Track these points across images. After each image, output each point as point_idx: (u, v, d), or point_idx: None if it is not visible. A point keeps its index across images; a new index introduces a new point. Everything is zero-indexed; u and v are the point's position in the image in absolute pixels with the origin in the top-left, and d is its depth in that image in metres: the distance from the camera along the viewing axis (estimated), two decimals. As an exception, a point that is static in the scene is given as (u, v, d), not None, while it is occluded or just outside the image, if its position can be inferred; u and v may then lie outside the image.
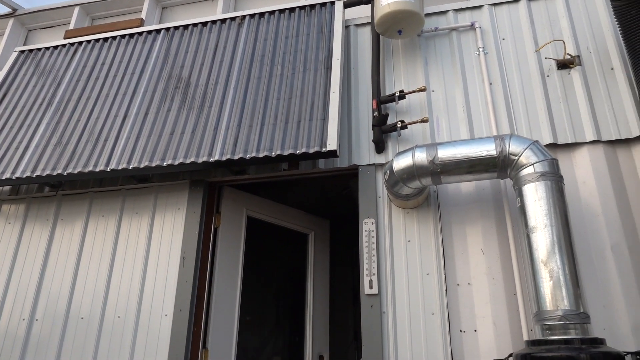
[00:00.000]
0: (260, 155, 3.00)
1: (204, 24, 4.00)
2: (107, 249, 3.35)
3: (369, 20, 3.67)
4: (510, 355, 2.37)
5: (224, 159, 3.05)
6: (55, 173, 3.32)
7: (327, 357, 3.84)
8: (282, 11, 3.87)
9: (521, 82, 3.19)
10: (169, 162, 3.14)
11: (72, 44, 4.28)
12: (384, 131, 3.16)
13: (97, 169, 3.26)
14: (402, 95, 3.19)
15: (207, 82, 3.56)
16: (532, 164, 2.45)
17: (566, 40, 3.22)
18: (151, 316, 3.08)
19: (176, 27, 4.05)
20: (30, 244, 3.50)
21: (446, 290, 2.77)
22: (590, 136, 2.90)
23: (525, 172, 2.46)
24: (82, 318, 3.19)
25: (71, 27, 4.73)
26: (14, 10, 4.99)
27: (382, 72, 3.46)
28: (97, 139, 3.47)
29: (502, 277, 2.73)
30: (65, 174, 3.30)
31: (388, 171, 2.78)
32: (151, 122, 3.44)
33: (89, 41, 4.25)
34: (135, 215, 3.42)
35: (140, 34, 4.14)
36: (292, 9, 3.85)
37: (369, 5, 3.89)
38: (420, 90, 3.14)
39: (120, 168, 3.21)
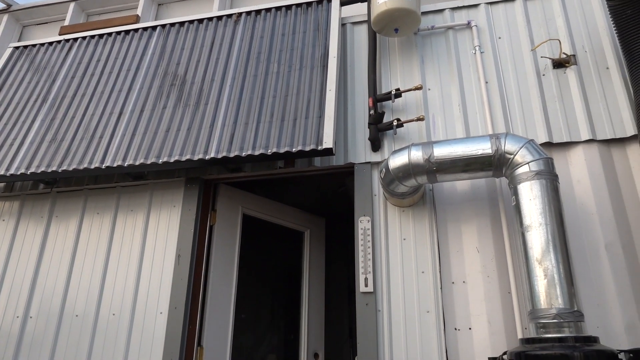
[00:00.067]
0: (256, 152, 3.00)
1: (200, 21, 3.99)
2: (102, 247, 3.34)
3: (366, 18, 3.67)
4: (505, 353, 2.38)
5: (219, 156, 3.05)
6: (50, 170, 3.31)
7: (322, 355, 3.84)
8: (278, 8, 3.86)
9: (517, 80, 3.20)
10: (165, 159, 3.14)
11: (67, 40, 4.26)
12: (380, 129, 3.16)
13: (92, 166, 3.25)
14: (398, 94, 3.19)
15: (203, 80, 3.55)
16: (528, 163, 2.46)
17: (562, 39, 3.23)
18: (146, 314, 3.08)
19: (172, 24, 4.04)
20: (24, 241, 3.49)
21: (441, 288, 2.78)
22: (585, 135, 2.91)
23: (521, 170, 2.46)
24: (76, 315, 3.18)
25: (66, 23, 4.71)
26: (9, 5, 4.96)
27: (379, 70, 3.46)
28: (92, 135, 3.46)
29: (497, 276, 2.74)
30: (60, 171, 3.29)
31: (384, 169, 2.78)
32: (147, 120, 3.43)
33: (84, 37, 4.23)
34: (130, 212, 3.41)
35: (135, 30, 4.12)
36: (288, 7, 3.84)
37: (366, 3, 3.88)
38: (417, 88, 3.14)
39: (115, 165, 3.20)
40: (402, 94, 3.29)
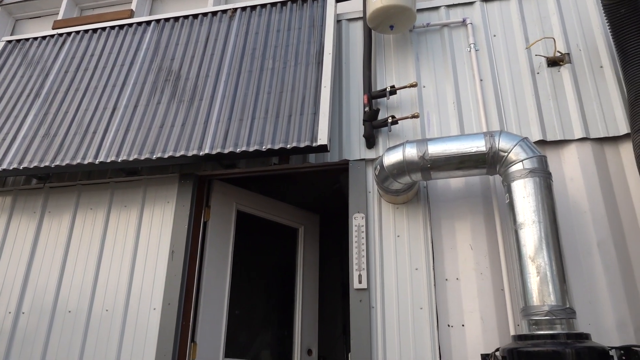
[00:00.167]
0: (251, 149, 2.99)
1: (195, 16, 3.97)
2: (95, 242, 3.32)
3: (361, 15, 3.67)
4: (497, 349, 2.39)
5: (214, 152, 3.04)
6: (42, 165, 3.29)
7: (315, 351, 3.85)
8: (273, 4, 3.85)
9: (511, 78, 3.21)
10: (159, 155, 3.12)
11: (60, 35, 4.23)
12: (374, 126, 3.16)
13: (86, 162, 3.23)
14: (393, 91, 3.19)
15: (197, 75, 3.54)
16: (521, 161, 2.47)
17: (556, 37, 3.24)
18: (139, 310, 3.07)
19: (167, 19, 4.01)
20: (17, 237, 3.46)
21: (435, 285, 2.79)
22: (578, 133, 2.92)
23: (514, 168, 2.47)
24: (69, 312, 3.17)
25: (60, 17, 4.67)
26: (1, -1, 4.91)
27: (374, 67, 3.46)
28: (86, 131, 3.44)
29: (490, 273, 2.75)
30: (53, 166, 3.27)
31: (378, 166, 2.79)
32: (141, 115, 3.41)
33: (77, 32, 4.20)
34: (124, 208, 3.40)
35: (130, 25, 4.09)
36: (284, 3, 3.83)
37: (361, 0, 3.88)
38: (412, 85, 3.14)
39: (109, 161, 3.19)
40: (397, 91, 3.29)
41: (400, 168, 2.67)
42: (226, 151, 3.02)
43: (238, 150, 3.01)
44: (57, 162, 3.27)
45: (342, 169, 3.29)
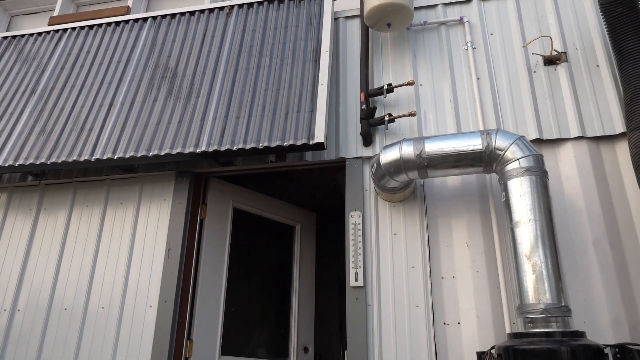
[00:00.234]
0: (248, 146, 2.99)
1: (192, 13, 3.95)
2: (91, 240, 3.31)
3: (358, 13, 3.66)
4: (493, 347, 2.40)
5: (210, 149, 3.03)
6: (38, 162, 3.27)
7: (312, 349, 3.85)
8: (271, 1, 3.84)
9: (508, 77, 3.21)
10: (155, 152, 3.11)
11: (56, 31, 4.21)
12: (371, 124, 3.16)
13: (82, 159, 3.22)
14: (390, 89, 3.19)
15: (194, 72, 3.53)
16: (518, 159, 2.47)
17: (553, 36, 3.25)
18: (136, 307, 3.07)
19: (163, 16, 4.00)
20: (12, 234, 3.45)
21: (431, 283, 2.79)
22: (575, 132, 2.93)
23: (511, 167, 2.48)
24: (65, 309, 3.16)
25: (56, 13, 4.65)
26: (-3, -5, 4.88)
27: (371, 65, 3.46)
28: (82, 128, 3.42)
29: (486, 271, 2.76)
30: (48, 163, 3.25)
31: (375, 164, 2.79)
32: (137, 112, 3.40)
33: (73, 28, 4.17)
34: (120, 205, 3.39)
35: (126, 22, 4.07)
36: (281, 0, 3.82)
37: (359, -2, 3.88)
38: (409, 84, 3.14)
39: (105, 158, 3.18)
40: (394, 89, 3.29)
41: (397, 166, 2.67)
42: (223, 149, 3.01)
43: (235, 147, 3.00)
44: (53, 159, 3.26)
45: (339, 166, 3.29)
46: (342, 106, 3.37)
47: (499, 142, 2.53)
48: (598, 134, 2.91)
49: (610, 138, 2.93)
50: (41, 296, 3.22)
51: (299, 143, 2.93)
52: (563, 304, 2.20)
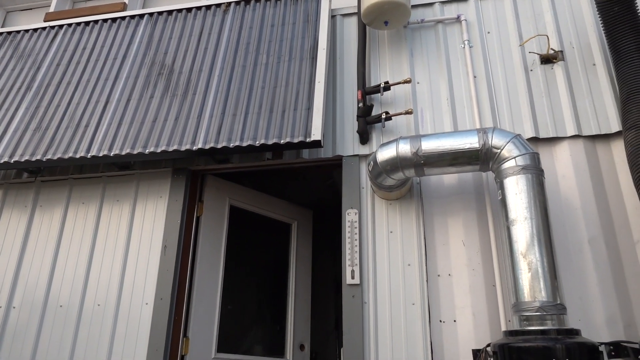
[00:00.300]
0: (244, 144, 2.99)
1: (189, 9, 3.94)
2: (87, 237, 3.31)
3: (356, 10, 3.66)
4: (488, 345, 2.41)
5: (207, 147, 3.03)
6: (34, 159, 3.26)
7: (308, 346, 3.86)
8: (268, -1, 3.83)
9: (505, 75, 3.21)
10: (151, 149, 3.11)
11: (52, 27, 4.19)
12: (368, 122, 3.16)
13: (78, 156, 3.20)
14: (387, 87, 3.19)
15: (190, 69, 3.52)
16: (514, 157, 2.47)
17: (550, 35, 3.25)
18: (131, 305, 3.06)
19: (160, 13, 3.99)
20: (7, 231, 3.44)
21: (427, 281, 2.80)
22: (571, 131, 2.94)
23: (507, 165, 2.48)
24: (60, 306, 3.15)
25: (51, 9, 4.62)
26: (-8, -10, 4.85)
27: (368, 62, 3.46)
28: (78, 124, 3.41)
29: (482, 269, 2.77)
30: (44, 159, 3.24)
31: (372, 162, 2.79)
32: (133, 109, 3.39)
33: (69, 25, 4.16)
34: (116, 202, 3.38)
35: (123, 18, 4.06)
36: (278, -3, 3.82)
37: (356, -5, 3.87)
38: (405, 82, 3.14)
39: (101, 155, 3.17)
40: (391, 87, 3.29)
41: (393, 164, 2.68)
42: (219, 146, 3.01)
43: (231, 145, 3.00)
44: (49, 156, 3.25)
45: (335, 164, 3.29)
46: (339, 104, 3.37)
47: (496, 140, 2.53)
48: (594, 133, 2.92)
49: (606, 137, 2.94)
50: (37, 293, 3.21)
51: (295, 141, 2.93)
52: (558, 302, 2.21)
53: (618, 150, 2.88)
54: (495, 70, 3.25)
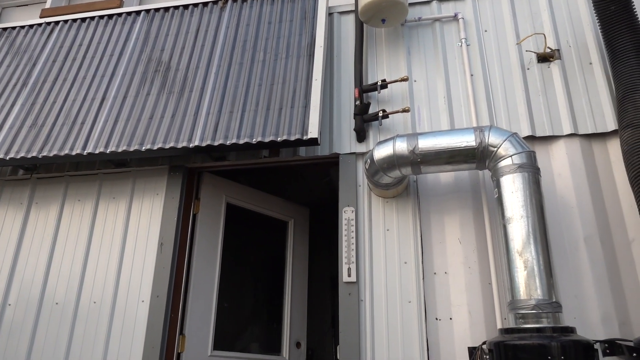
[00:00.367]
0: (241, 141, 2.98)
1: (185, 6, 3.93)
2: (83, 234, 3.30)
3: (353, 8, 3.65)
4: (484, 343, 2.41)
5: (204, 144, 3.02)
6: (29, 156, 3.25)
7: (304, 344, 3.86)
8: (265, -4, 3.82)
9: (502, 74, 3.22)
10: (148, 146, 3.10)
11: (48, 24, 4.17)
12: (365, 120, 3.16)
13: (74, 153, 3.19)
14: (384, 85, 3.19)
15: (187, 66, 3.51)
16: (510, 156, 2.48)
17: (547, 33, 3.26)
18: (128, 302, 3.06)
19: (157, 9, 3.97)
20: (3, 228, 3.43)
21: (423, 278, 2.80)
22: (567, 129, 2.95)
23: (504, 163, 2.49)
24: (56, 303, 3.14)
25: (47, 5, 4.60)
26: (-12, -14, 4.82)
27: (365, 60, 3.45)
28: (74, 121, 3.40)
29: (478, 267, 2.78)
30: (40, 156, 3.23)
31: (369, 160, 2.79)
32: (130, 106, 3.38)
33: (66, 21, 4.14)
34: (112, 200, 3.37)
35: (119, 15, 4.04)
36: (275, -6, 3.81)
37: (353, -7, 3.86)
38: (403, 80, 3.14)
39: (97, 152, 3.16)
40: (388, 85, 3.29)
41: (390, 162, 2.68)
42: (216, 143, 3.00)
43: (228, 142, 2.99)
44: (45, 153, 3.23)
45: (332, 162, 3.29)
46: (335, 102, 3.36)
47: (492, 138, 2.54)
48: (590, 132, 2.93)
49: (602, 135, 2.94)
50: (32, 291, 3.20)
51: (292, 138, 2.93)
52: (554, 300, 2.22)
53: (614, 149, 2.89)
54: (492, 68, 3.25)
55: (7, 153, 3.31)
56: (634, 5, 2.82)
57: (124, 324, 3.01)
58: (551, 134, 2.96)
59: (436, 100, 3.22)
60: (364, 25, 3.53)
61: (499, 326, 2.60)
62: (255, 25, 3.64)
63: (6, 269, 3.29)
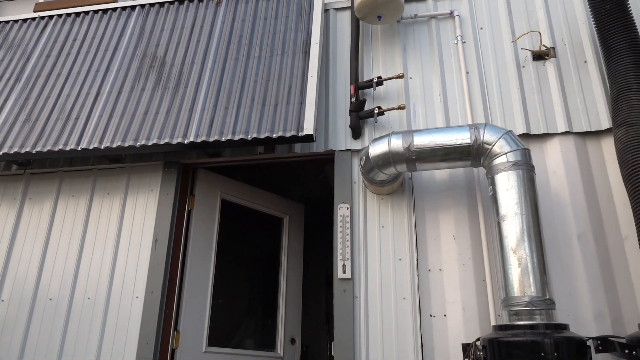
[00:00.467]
0: (236, 137, 2.97)
1: (181, 1, 3.91)
2: (77, 230, 3.28)
3: (349, 5, 3.65)
4: (478, 339, 2.43)
5: (198, 140, 3.01)
6: (23, 151, 3.23)
7: (299, 340, 3.87)
8: (261, -8, 3.80)
9: (497, 72, 3.22)
10: (142, 142, 3.09)
11: (42, 18, 4.13)
12: (361, 117, 3.16)
13: (68, 148, 3.18)
14: (379, 82, 3.19)
15: (183, 62, 3.49)
16: (505, 154, 2.49)
17: (542, 31, 3.26)
18: (122, 298, 3.05)
19: (152, 4, 3.95)
20: (-4, 223, 3.41)
21: (418, 275, 2.81)
22: (562, 127, 2.96)
23: (498, 161, 2.50)
24: (50, 299, 3.13)
25: (41, 0, 4.56)
26: (-19, -21, 4.77)
27: (361, 57, 3.45)
28: (68, 116, 3.38)
29: (472, 264, 2.79)
30: (34, 152, 3.21)
31: (364, 157, 2.79)
32: (124, 101, 3.36)
33: (60, 15, 4.11)
34: (106, 195, 3.36)
35: (114, 9, 4.02)
36: (271, -10, 3.79)
37: (349, -11, 3.85)
38: (398, 77, 3.15)
39: (91, 147, 3.14)
40: (384, 82, 3.29)
41: (385, 159, 2.68)
42: (211, 139, 2.99)
43: (223, 138, 2.98)
44: (38, 148, 3.21)
45: (327, 159, 3.29)
46: (331, 98, 3.36)
47: (487, 136, 2.55)
48: (585, 130, 2.94)
49: (597, 134, 2.96)
50: (26, 286, 3.19)
51: (287, 135, 2.92)
52: (547, 297, 2.23)
53: (608, 147, 2.91)
54: (487, 66, 3.25)
55: (0, 148, 3.28)
56: (628, 4, 2.83)
57: (118, 320, 3.00)
58: (546, 132, 2.97)
59: (432, 97, 3.23)
60: (360, 22, 3.52)
61: (493, 323, 2.61)
62: (251, 21, 3.63)
63: (-1, 264, 3.28)
